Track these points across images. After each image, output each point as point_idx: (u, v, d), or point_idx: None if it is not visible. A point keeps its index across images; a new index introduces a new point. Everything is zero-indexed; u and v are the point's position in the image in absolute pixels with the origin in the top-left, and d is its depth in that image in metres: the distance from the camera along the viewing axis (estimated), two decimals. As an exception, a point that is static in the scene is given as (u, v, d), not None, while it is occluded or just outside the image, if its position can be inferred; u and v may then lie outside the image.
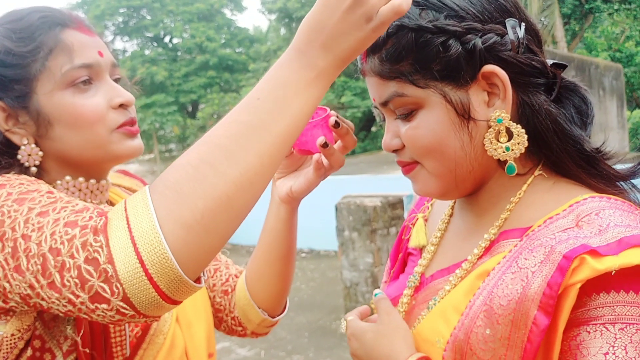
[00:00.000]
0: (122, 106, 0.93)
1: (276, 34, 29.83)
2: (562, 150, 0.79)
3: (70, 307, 0.68)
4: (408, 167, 0.85)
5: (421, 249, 0.98)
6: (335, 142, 0.96)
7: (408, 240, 1.03)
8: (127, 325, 0.94)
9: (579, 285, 0.65)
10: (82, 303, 0.66)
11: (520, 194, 0.82)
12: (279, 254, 1.08)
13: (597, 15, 17.91)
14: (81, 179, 0.93)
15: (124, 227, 0.65)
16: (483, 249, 0.82)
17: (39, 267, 0.68)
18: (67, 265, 0.66)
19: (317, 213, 8.31)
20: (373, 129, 24.81)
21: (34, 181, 0.81)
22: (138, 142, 0.96)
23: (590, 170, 0.80)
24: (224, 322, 1.18)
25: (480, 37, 0.76)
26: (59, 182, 0.92)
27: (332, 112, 0.93)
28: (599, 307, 0.66)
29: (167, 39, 30.13)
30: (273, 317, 1.16)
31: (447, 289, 0.83)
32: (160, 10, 28.28)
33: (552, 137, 0.79)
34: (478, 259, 0.82)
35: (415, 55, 0.77)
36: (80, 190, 0.93)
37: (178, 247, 0.63)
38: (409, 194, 5.57)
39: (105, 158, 0.93)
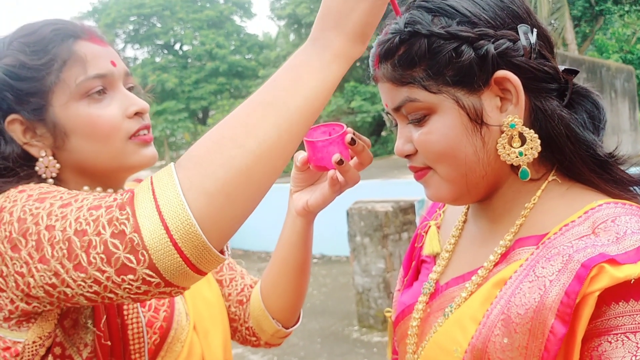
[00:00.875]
0: (137, 114, 0.94)
1: (285, 40, 29.93)
2: (575, 155, 0.79)
3: (96, 287, 0.69)
4: (420, 172, 0.85)
5: (435, 257, 0.97)
6: (351, 159, 0.97)
7: (421, 247, 1.03)
8: (145, 332, 0.95)
9: (597, 294, 0.64)
10: (108, 278, 0.68)
11: (534, 200, 0.81)
12: (294, 266, 1.09)
13: (608, 17, 17.82)
14: (99, 189, 0.94)
15: (150, 198, 0.67)
16: (499, 256, 0.82)
17: (65, 251, 0.69)
18: (94, 243, 0.68)
19: (329, 218, 8.29)
20: (383, 133, 24.79)
21: (52, 186, 0.83)
22: (152, 150, 0.97)
23: (603, 175, 0.79)
24: (238, 332, 1.19)
25: (493, 42, 0.76)
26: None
27: (349, 129, 0.94)
28: (619, 317, 0.65)
29: (177, 47, 30.33)
30: (287, 328, 1.17)
31: (464, 296, 0.83)
32: (170, 18, 28.50)
33: (565, 142, 0.78)
34: (494, 265, 0.82)
35: (427, 61, 0.77)
36: None
37: (201, 213, 0.65)
38: (421, 199, 5.55)
39: (120, 168, 0.94)
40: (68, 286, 0.70)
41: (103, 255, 0.67)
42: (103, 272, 0.68)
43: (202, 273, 0.69)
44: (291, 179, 1.04)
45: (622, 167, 0.81)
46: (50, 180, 0.89)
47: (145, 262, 0.66)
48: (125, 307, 0.94)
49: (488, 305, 0.76)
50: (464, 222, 0.96)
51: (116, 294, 0.70)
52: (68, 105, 0.88)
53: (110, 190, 0.95)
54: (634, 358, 0.62)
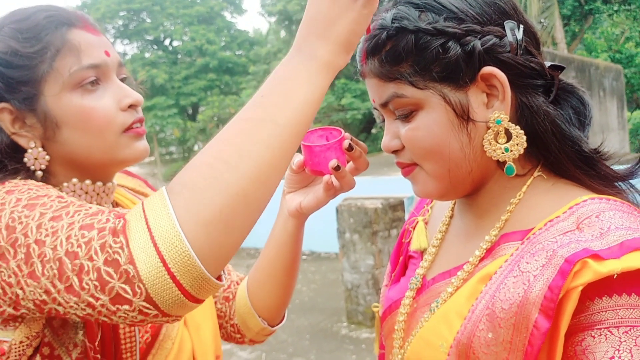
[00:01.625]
0: (131, 107, 0.91)
1: (276, 36, 29.85)
2: (560, 151, 0.79)
3: (89, 311, 0.68)
4: (407, 168, 0.85)
5: (422, 252, 0.98)
6: (348, 163, 0.96)
7: (408, 243, 1.03)
8: (137, 331, 0.93)
9: (580, 289, 0.65)
10: (102, 305, 0.66)
11: (520, 195, 0.82)
12: (283, 265, 1.08)
13: (597, 16, 17.93)
14: (88, 182, 0.92)
15: (143, 228, 0.65)
16: (484, 251, 0.82)
17: (55, 271, 0.67)
18: (86, 268, 0.65)
19: (318, 215, 8.26)
20: (373, 130, 24.82)
21: (42, 186, 0.80)
22: (144, 144, 0.94)
23: (588, 171, 0.80)
24: (223, 328, 1.18)
25: (479, 39, 0.77)
26: (65, 184, 0.90)
27: (347, 134, 0.93)
28: (602, 311, 0.66)
29: (167, 42, 30.19)
30: (272, 326, 1.16)
31: (450, 291, 0.83)
32: (160, 13, 28.35)
33: (550, 138, 0.79)
34: (479, 261, 0.82)
35: (414, 57, 0.78)
36: (87, 192, 0.92)
37: (199, 244, 0.64)
38: (410, 196, 5.57)
39: (112, 162, 0.91)
40: (60, 305, 0.69)
41: (97, 283, 0.65)
42: (97, 299, 0.66)
43: (199, 302, 0.68)
44: (285, 180, 1.03)
45: (607, 164, 0.82)
46: (39, 173, 0.87)
47: (142, 294, 0.64)
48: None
49: (473, 301, 0.76)
50: (451, 217, 0.96)
51: (110, 319, 0.68)
52: (60, 96, 0.85)
53: (99, 183, 0.93)
54: (616, 352, 0.63)
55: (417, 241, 0.99)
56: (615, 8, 17.80)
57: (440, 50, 0.76)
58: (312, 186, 1.03)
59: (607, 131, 10.63)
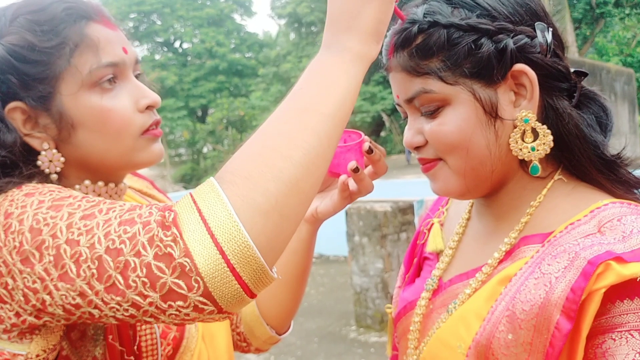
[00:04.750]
0: (149, 108, 0.87)
1: (286, 38, 29.93)
2: (583, 155, 0.79)
3: (133, 311, 0.64)
4: (429, 164, 0.84)
5: (438, 254, 0.97)
6: (366, 167, 0.95)
7: (423, 245, 1.03)
8: (159, 344, 0.90)
9: (603, 291, 0.65)
10: (151, 304, 0.63)
11: (540, 198, 0.82)
12: (295, 272, 1.06)
13: (608, 19, 17.86)
14: (100, 183, 0.88)
15: (197, 219, 0.62)
16: (503, 253, 0.82)
17: (94, 271, 0.63)
18: (132, 265, 0.62)
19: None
20: (382, 133, 24.81)
21: (62, 188, 0.76)
22: (160, 146, 0.90)
23: (610, 175, 0.80)
24: None
25: (512, 37, 0.77)
26: (77, 186, 0.86)
27: (366, 137, 0.92)
28: (624, 314, 0.65)
29: (177, 44, 30.37)
30: (280, 334, 1.14)
31: (468, 292, 0.82)
32: (170, 15, 28.53)
33: (574, 141, 0.79)
34: (499, 263, 0.82)
35: (446, 52, 0.77)
36: (99, 194, 0.88)
37: (257, 234, 0.61)
38: (420, 199, 5.56)
39: (128, 165, 0.88)
40: (96, 307, 0.65)
41: (146, 279, 0.62)
42: (145, 296, 0.62)
43: (254, 297, 0.65)
44: None
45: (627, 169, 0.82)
46: (54, 176, 0.83)
47: (200, 289, 0.61)
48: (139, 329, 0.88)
49: (493, 302, 0.76)
50: (468, 219, 0.96)
51: (157, 319, 0.65)
52: (78, 95, 0.80)
53: (111, 185, 0.90)
54: (637, 356, 0.63)
55: (434, 243, 0.98)
56: (627, 11, 17.71)
57: (473, 47, 0.76)
58: (328, 191, 1.01)
59: (618, 135, 10.57)
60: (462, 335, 0.77)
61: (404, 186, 7.71)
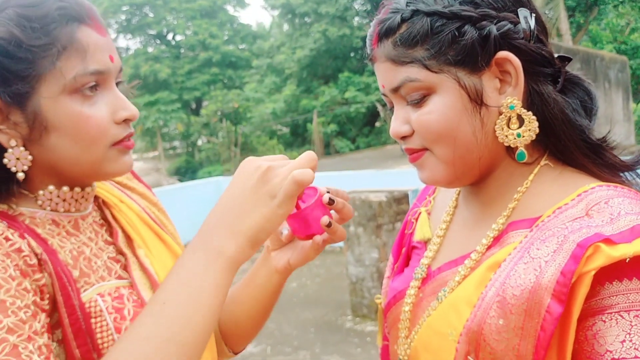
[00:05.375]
0: (126, 121, 0.86)
1: (279, 30, 29.84)
2: (569, 139, 0.80)
3: None
4: (416, 154, 0.84)
5: (426, 242, 0.98)
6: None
7: (411, 234, 1.03)
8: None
9: (592, 273, 0.65)
10: None
11: (527, 184, 0.82)
12: (260, 310, 1.03)
13: (602, 7, 17.84)
14: (65, 188, 0.86)
15: None
16: (492, 239, 0.82)
17: None
18: None
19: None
20: (377, 124, 24.80)
21: None
22: (130, 159, 0.89)
23: (595, 159, 0.81)
24: None
25: (495, 24, 0.77)
26: (41, 192, 0.84)
27: (321, 188, 0.89)
28: (613, 296, 0.66)
29: (170, 37, 30.20)
30: (235, 353, 1.12)
31: (457, 279, 0.83)
32: (163, 7, 28.34)
33: (560, 126, 0.80)
34: (487, 249, 0.82)
35: (430, 40, 0.78)
36: (64, 200, 0.87)
37: None
38: (414, 189, 5.56)
39: (97, 174, 0.86)
40: None
41: None
42: None
43: None
44: (270, 239, 0.96)
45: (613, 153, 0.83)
46: (21, 175, 0.80)
47: None
48: (99, 336, 0.82)
49: (483, 288, 0.76)
50: (455, 207, 0.96)
51: None
52: (58, 99, 0.78)
53: (77, 189, 0.88)
54: (627, 336, 0.64)
55: (421, 231, 0.99)
56: (621, -1, 17.68)
57: (457, 34, 0.77)
58: (298, 241, 0.97)
59: (612, 123, 10.59)
60: (453, 322, 0.78)
61: (398, 176, 7.71)
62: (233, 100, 20.06)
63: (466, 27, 0.76)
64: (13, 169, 0.79)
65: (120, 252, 0.92)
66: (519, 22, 0.78)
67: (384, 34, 0.80)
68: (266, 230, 0.74)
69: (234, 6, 31.79)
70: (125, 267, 0.90)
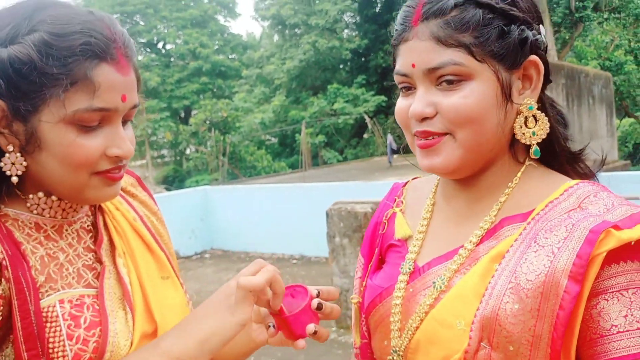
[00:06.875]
0: (117, 157, 0.88)
1: (269, 40, 29.88)
2: (558, 143, 0.90)
3: None
4: (435, 139, 0.86)
5: (406, 240, 1.00)
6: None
7: (385, 234, 1.05)
8: (70, 350, 0.85)
9: (604, 254, 0.73)
10: None
11: (516, 180, 0.89)
12: (237, 357, 1.08)
13: (587, 24, 18.07)
14: (54, 197, 0.90)
15: None
16: (485, 231, 0.87)
17: None
18: None
19: (308, 219, 8.29)
20: (365, 135, 24.87)
21: None
22: (115, 190, 0.91)
23: (574, 166, 0.92)
24: None
25: (530, 30, 0.85)
26: (31, 196, 0.89)
27: (311, 290, 0.93)
28: (613, 277, 0.75)
29: (160, 45, 30.17)
30: None
31: (454, 268, 0.87)
32: (153, 16, 28.34)
33: (557, 130, 0.90)
34: (480, 241, 0.87)
35: (479, 29, 0.82)
36: (51, 207, 0.91)
37: None
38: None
39: (77, 199, 0.90)
40: None
41: None
42: None
43: None
44: (254, 313, 0.98)
45: (596, 169, 0.94)
46: (15, 179, 0.84)
47: None
48: (51, 341, 0.82)
49: (489, 279, 0.81)
50: (433, 204, 1.00)
51: None
52: (55, 126, 0.82)
53: (65, 201, 0.91)
54: (629, 311, 0.73)
55: (401, 230, 1.01)
56: (605, 16, 17.96)
57: (504, 30, 0.82)
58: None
59: (596, 138, 10.71)
60: (462, 312, 0.81)
61: (384, 187, 7.71)
62: (222, 110, 20.02)
63: (512, 26, 0.83)
64: (7, 173, 0.84)
65: (99, 260, 0.94)
66: (540, 34, 0.87)
67: (433, 12, 0.83)
68: (219, 335, 0.80)
69: (225, 16, 31.89)
70: (98, 276, 0.92)
